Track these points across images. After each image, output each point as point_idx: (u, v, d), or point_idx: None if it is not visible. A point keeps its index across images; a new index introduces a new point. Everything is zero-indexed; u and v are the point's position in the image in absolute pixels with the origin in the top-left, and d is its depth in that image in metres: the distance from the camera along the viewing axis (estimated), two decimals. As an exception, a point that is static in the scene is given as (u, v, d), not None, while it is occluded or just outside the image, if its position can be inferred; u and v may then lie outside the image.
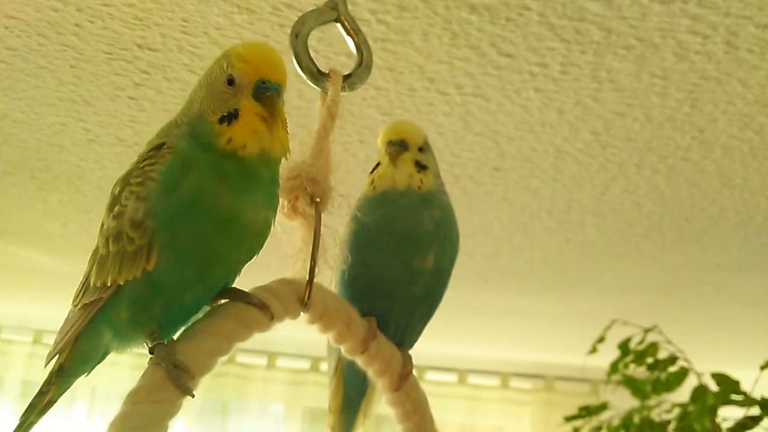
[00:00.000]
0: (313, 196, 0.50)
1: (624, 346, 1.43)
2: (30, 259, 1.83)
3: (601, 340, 1.41)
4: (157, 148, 0.43)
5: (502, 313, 2.06)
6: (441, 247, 0.52)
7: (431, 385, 3.00)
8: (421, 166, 0.53)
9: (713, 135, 0.83)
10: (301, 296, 0.47)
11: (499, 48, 0.68)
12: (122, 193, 0.42)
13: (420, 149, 0.54)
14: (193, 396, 0.39)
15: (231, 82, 0.41)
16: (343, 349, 0.51)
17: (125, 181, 0.43)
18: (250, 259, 0.45)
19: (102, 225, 0.43)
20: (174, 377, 0.38)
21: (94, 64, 0.78)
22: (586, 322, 2.04)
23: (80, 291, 0.44)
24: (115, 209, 0.42)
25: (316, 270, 0.47)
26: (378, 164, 0.54)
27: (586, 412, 1.58)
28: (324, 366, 3.17)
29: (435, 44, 0.68)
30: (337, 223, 0.51)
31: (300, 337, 2.94)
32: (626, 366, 1.44)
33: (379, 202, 0.53)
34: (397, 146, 0.54)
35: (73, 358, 0.44)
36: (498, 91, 0.76)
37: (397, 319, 0.52)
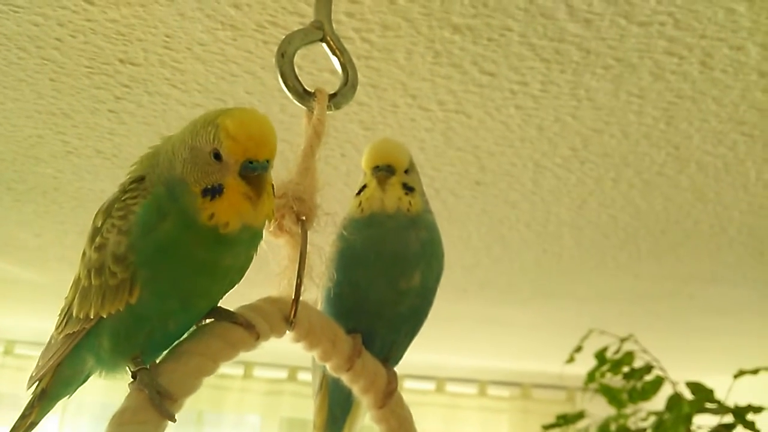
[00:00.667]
0: (299, 214, 0.50)
1: (601, 356, 1.45)
2: (2, 269, 1.80)
3: (578, 349, 1.43)
4: (138, 181, 0.42)
5: (480, 322, 2.07)
6: (427, 267, 0.52)
7: (409, 393, 3.01)
8: (408, 189, 0.54)
9: (688, 151, 0.85)
10: (286, 315, 0.47)
11: (481, 67, 0.69)
12: (104, 225, 0.42)
13: (406, 171, 0.55)
14: (174, 421, 0.39)
15: (217, 157, 0.39)
16: (328, 366, 0.51)
17: (107, 212, 0.42)
18: (231, 289, 0.45)
19: (84, 254, 0.43)
20: (157, 403, 0.38)
21: (74, 78, 0.77)
22: (563, 331, 2.07)
23: (62, 320, 0.44)
24: (97, 241, 0.42)
25: (302, 288, 0.47)
26: (364, 186, 0.54)
27: (564, 420, 1.60)
28: (302, 375, 3.15)
29: (418, 62, 0.69)
30: (323, 242, 0.52)
31: (277, 347, 2.91)
32: (603, 375, 1.46)
33: (367, 223, 0.53)
34: (384, 172, 0.53)
35: (56, 382, 0.44)
36: (479, 107, 0.77)
37: (383, 336, 0.53)
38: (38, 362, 0.45)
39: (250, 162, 0.39)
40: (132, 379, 0.40)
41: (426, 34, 0.64)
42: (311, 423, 0.59)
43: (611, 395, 1.48)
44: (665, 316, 1.76)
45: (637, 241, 1.22)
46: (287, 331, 0.48)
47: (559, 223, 1.14)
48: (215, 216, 0.39)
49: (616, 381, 1.50)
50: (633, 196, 1.01)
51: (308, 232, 0.49)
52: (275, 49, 0.69)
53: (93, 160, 1.02)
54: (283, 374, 3.15)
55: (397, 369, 0.54)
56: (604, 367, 1.46)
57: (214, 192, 0.39)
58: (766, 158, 0.85)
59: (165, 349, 0.42)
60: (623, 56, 0.66)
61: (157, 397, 0.38)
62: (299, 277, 0.47)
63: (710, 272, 1.38)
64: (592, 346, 1.46)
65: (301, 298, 0.48)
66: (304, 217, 0.50)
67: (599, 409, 1.75)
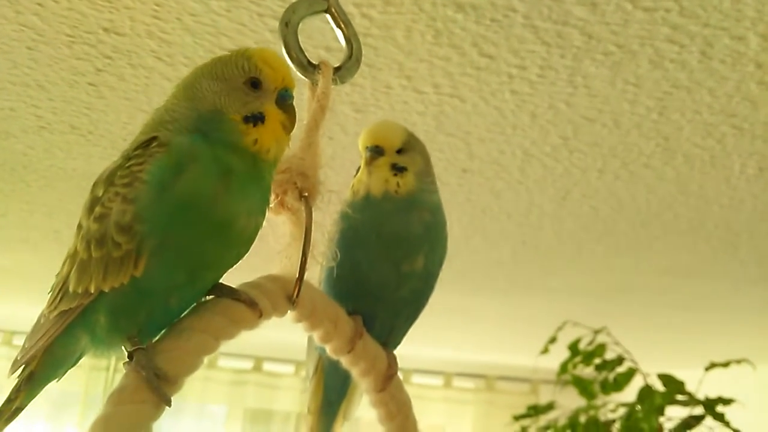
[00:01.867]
0: (302, 190, 0.48)
1: (574, 347, 1.46)
2: (-39, 252, 1.73)
3: (552, 340, 1.44)
4: (145, 145, 0.40)
5: (449, 313, 2.07)
6: (431, 250, 0.51)
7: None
8: (398, 169, 0.52)
9: (677, 143, 0.85)
10: (289, 293, 0.45)
11: (481, 48, 0.68)
12: (105, 194, 0.39)
13: (399, 151, 0.53)
14: (169, 405, 0.37)
15: (256, 84, 0.41)
16: (328, 348, 0.49)
17: (108, 181, 0.40)
18: (237, 263, 0.43)
19: (80, 227, 0.41)
20: (155, 386, 0.36)
21: (53, 47, 0.74)
22: (532, 324, 2.08)
23: (56, 296, 0.41)
24: (96, 211, 0.39)
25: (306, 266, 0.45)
26: (359, 168, 0.53)
27: (534, 411, 1.61)
28: (267, 366, 3.12)
29: (417, 41, 0.67)
30: (325, 220, 0.50)
31: (242, 336, 2.87)
32: (575, 366, 1.47)
33: (363, 206, 0.51)
34: (372, 152, 0.53)
35: (45, 364, 0.41)
36: (474, 92, 0.76)
37: (383, 319, 0.51)
38: (24, 344, 0.42)
39: (285, 90, 0.42)
40: (128, 359, 0.38)
41: (428, 11, 0.63)
42: (277, 414, 0.57)
43: (582, 386, 1.49)
44: (636, 310, 1.79)
45: (615, 234, 1.23)
46: (288, 311, 0.46)
47: (541, 214, 1.14)
48: (259, 142, 0.40)
49: (587, 373, 1.52)
50: (617, 187, 1.01)
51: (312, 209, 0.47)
52: (270, 22, 0.67)
53: (67, 136, 0.98)
54: (248, 364, 3.12)
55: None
56: (577, 359, 1.48)
57: (256, 119, 0.41)
58: (752, 152, 0.86)
59: (162, 329, 0.40)
60: (625, 42, 0.65)
61: (155, 379, 0.36)
62: (304, 255, 0.45)
63: (684, 267, 1.40)
64: (561, 339, 1.48)
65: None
66: (306, 194, 0.48)
67: (568, 400, 1.77)
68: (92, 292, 0.38)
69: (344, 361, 0.50)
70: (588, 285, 1.61)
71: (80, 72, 0.79)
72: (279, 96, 0.42)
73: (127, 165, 0.40)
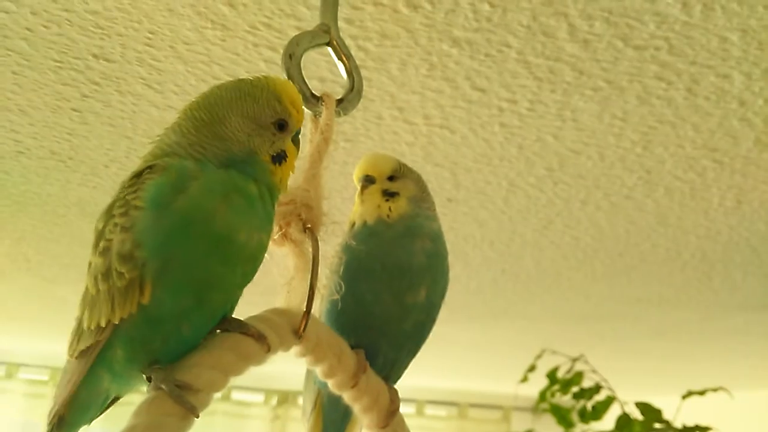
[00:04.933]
0: (306, 222, 0.48)
1: (552, 375, 1.47)
2: (-77, 278, 1.67)
3: (532, 368, 1.44)
4: (138, 174, 0.41)
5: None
6: (433, 282, 0.51)
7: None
8: (389, 195, 0.53)
9: (659, 176, 0.87)
10: (295, 327, 0.45)
11: (473, 82, 0.69)
12: (106, 227, 0.40)
13: (391, 178, 0.54)
14: (197, 416, 0.37)
15: (283, 126, 0.44)
16: (331, 383, 0.49)
17: (108, 214, 0.40)
18: (245, 284, 0.42)
19: (89, 265, 0.41)
20: (177, 395, 0.36)
21: (39, 72, 0.73)
22: (507, 350, 2.09)
23: (74, 338, 0.41)
24: (101, 245, 0.40)
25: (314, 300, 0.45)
26: None
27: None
28: (236, 395, 3.06)
29: (411, 74, 0.68)
30: (328, 252, 0.49)
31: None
32: (553, 394, 1.48)
33: (363, 236, 0.51)
34: (363, 181, 0.54)
35: (73, 408, 0.41)
36: (464, 123, 0.77)
37: (385, 353, 0.51)
38: (55, 392, 0.42)
39: (300, 128, 0.45)
40: (147, 382, 0.38)
41: (424, 45, 0.63)
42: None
43: (560, 415, 1.50)
44: (611, 338, 1.81)
45: (593, 263, 1.25)
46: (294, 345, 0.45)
47: (522, 243, 1.15)
48: (283, 180, 0.44)
49: (564, 401, 1.52)
50: (598, 217, 1.03)
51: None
52: (264, 52, 0.67)
53: (45, 161, 0.96)
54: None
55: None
56: (555, 387, 1.48)
57: (281, 159, 0.44)
58: (731, 185, 0.88)
59: (179, 358, 0.39)
60: (614, 79, 0.67)
61: (177, 390, 0.37)
62: (311, 288, 0.44)
63: (657, 295, 1.43)
64: (533, 364, 1.48)
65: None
66: (309, 225, 0.48)
67: (544, 428, 1.77)
68: (104, 326, 0.38)
69: (347, 397, 0.49)
70: (563, 312, 1.63)
71: (65, 98, 0.78)
72: (296, 133, 0.45)
73: (123, 195, 0.40)
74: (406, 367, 0.53)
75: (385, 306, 0.50)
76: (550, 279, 1.36)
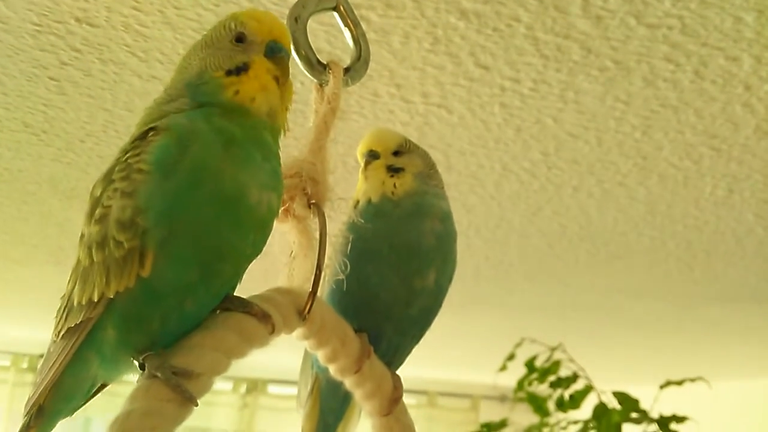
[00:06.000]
0: (311, 197, 0.45)
1: (530, 364, 1.46)
2: None
3: (511, 357, 1.43)
4: (141, 137, 0.37)
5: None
6: (443, 264, 0.48)
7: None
8: (394, 170, 0.50)
9: (654, 162, 0.86)
10: (300, 308, 0.42)
11: (477, 58, 0.66)
12: (104, 193, 0.36)
13: (396, 153, 0.51)
14: (196, 404, 0.33)
15: (240, 39, 0.38)
16: (333, 367, 0.46)
17: (107, 179, 0.36)
18: (254, 255, 0.39)
19: (82, 235, 0.37)
20: (174, 384, 0.33)
21: (16, 36, 0.68)
22: (482, 339, 2.09)
23: (61, 315, 0.36)
24: (97, 213, 0.36)
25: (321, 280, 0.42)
26: None
27: (487, 428, 1.60)
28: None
29: (413, 48, 0.65)
30: (332, 230, 0.47)
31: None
32: (531, 383, 1.47)
33: (369, 215, 0.49)
34: (367, 157, 0.51)
35: (55, 396, 0.37)
36: (463, 103, 0.74)
37: (390, 338, 0.48)
38: (36, 379, 0.37)
39: (275, 42, 0.39)
40: (140, 370, 0.34)
41: (430, 17, 0.60)
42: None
43: (537, 404, 1.49)
44: (591, 327, 1.81)
45: (577, 252, 1.24)
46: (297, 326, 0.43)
47: (509, 229, 1.14)
48: (240, 92, 0.37)
49: (541, 390, 1.52)
50: (588, 205, 1.02)
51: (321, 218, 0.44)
52: (260, 20, 0.64)
53: (17, 134, 0.90)
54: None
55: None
56: (532, 376, 1.48)
57: (239, 70, 0.38)
58: (726, 173, 0.88)
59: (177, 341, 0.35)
60: (622, 58, 0.65)
61: (174, 377, 0.33)
62: (318, 267, 0.42)
63: (637, 286, 1.43)
64: (513, 353, 1.47)
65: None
66: (314, 201, 0.45)
67: (519, 417, 1.77)
68: (96, 300, 0.34)
69: (348, 383, 0.46)
70: (542, 302, 1.62)
71: (42, 65, 0.73)
72: (268, 48, 0.38)
73: (124, 158, 0.36)
74: (409, 353, 0.51)
75: (392, 289, 0.47)
76: (532, 268, 1.35)
